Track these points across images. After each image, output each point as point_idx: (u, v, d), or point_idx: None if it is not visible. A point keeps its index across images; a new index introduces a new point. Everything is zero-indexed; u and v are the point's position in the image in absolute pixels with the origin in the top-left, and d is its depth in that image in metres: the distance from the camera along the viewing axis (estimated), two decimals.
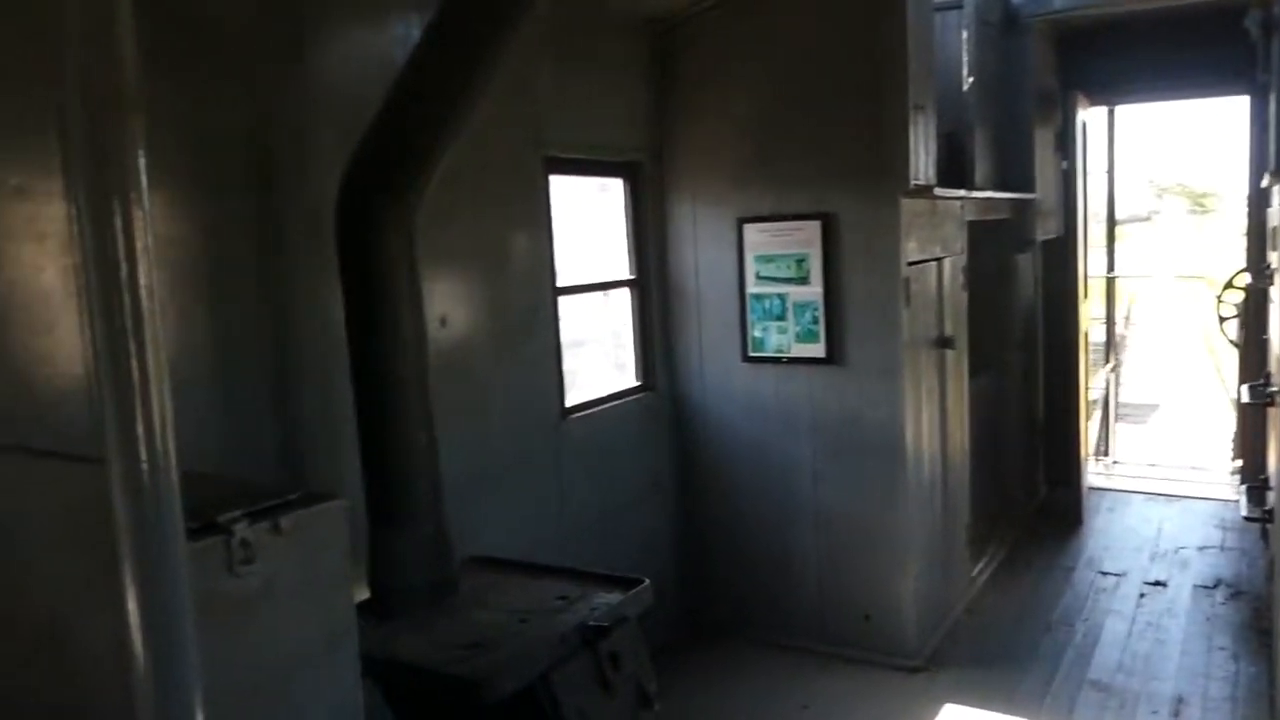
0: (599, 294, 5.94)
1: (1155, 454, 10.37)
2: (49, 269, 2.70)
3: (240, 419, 3.54)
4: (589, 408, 5.52)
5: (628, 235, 5.97)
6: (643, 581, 3.60)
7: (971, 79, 6.71)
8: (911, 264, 5.48)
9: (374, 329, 3.42)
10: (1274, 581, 5.62)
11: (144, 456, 1.54)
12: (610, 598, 3.49)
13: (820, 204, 5.50)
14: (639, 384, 6.02)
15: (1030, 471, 8.72)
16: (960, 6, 6.81)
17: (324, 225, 3.53)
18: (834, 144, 5.43)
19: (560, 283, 5.26)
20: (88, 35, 1.54)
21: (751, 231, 5.71)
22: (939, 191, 5.57)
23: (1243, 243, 8.47)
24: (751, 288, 5.75)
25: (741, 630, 6.03)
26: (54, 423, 2.56)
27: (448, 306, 4.51)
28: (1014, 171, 7.54)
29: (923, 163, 5.42)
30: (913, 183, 5.29)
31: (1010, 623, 6.28)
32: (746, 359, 5.83)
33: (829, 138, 5.44)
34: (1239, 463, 9.02)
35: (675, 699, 5.24)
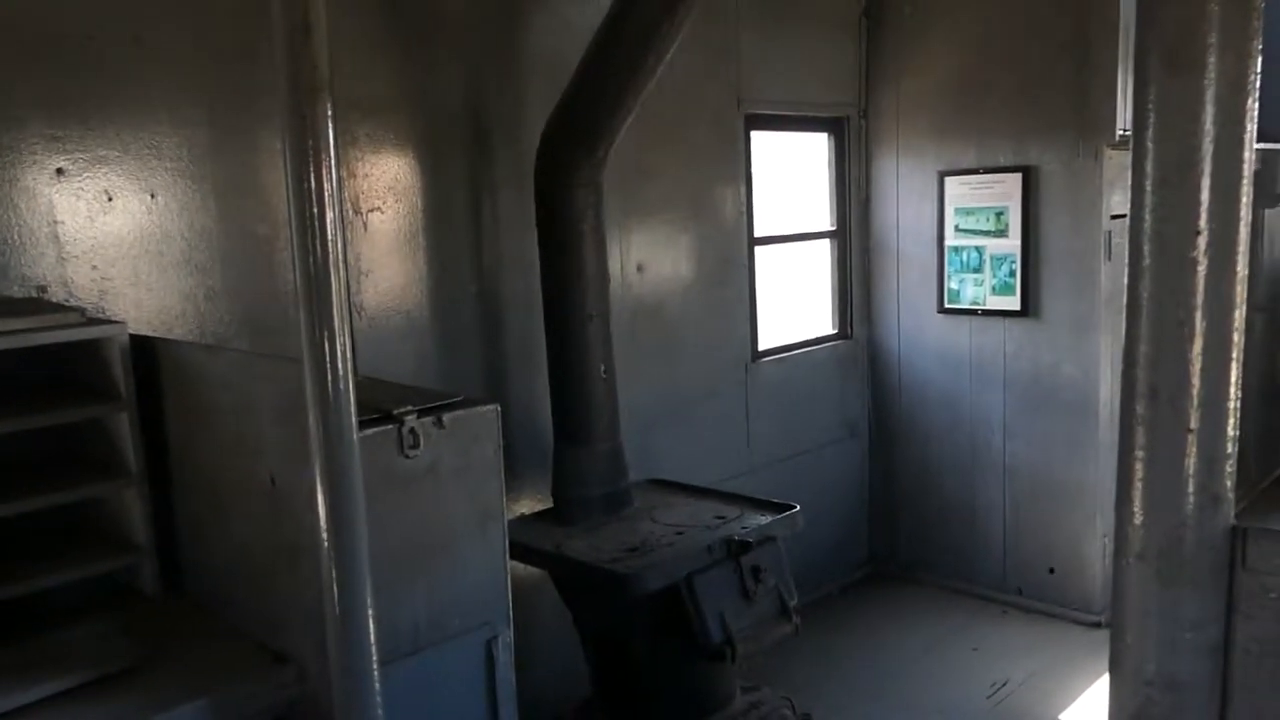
0: (799, 244, 6.20)
1: None
2: (266, 219, 3.46)
3: (454, 345, 4.17)
4: (782, 352, 5.84)
5: (830, 188, 6.17)
6: (793, 507, 3.94)
7: None
8: (1116, 217, 5.36)
9: (562, 271, 3.93)
10: None
11: (328, 360, 2.08)
12: (761, 519, 3.87)
13: (1021, 157, 5.48)
14: (835, 332, 6.25)
15: (1262, 445, 8.14)
16: None
17: (525, 180, 4.07)
18: (1038, 95, 5.39)
19: (758, 233, 5.58)
20: (290, 28, 2.06)
21: (952, 184, 5.77)
22: None
23: None
24: (950, 240, 5.82)
25: (925, 575, 6.20)
26: (274, 332, 3.26)
27: (645, 254, 4.97)
28: (1268, 118, 7.01)
29: (1127, 115, 5.26)
30: (1119, 133, 5.17)
31: None
32: (942, 310, 5.93)
33: (1033, 89, 5.40)
34: None
35: (854, 633, 5.60)
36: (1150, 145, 1.09)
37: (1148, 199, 1.13)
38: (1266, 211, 7.47)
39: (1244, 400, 2.09)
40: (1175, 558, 1.52)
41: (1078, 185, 5.32)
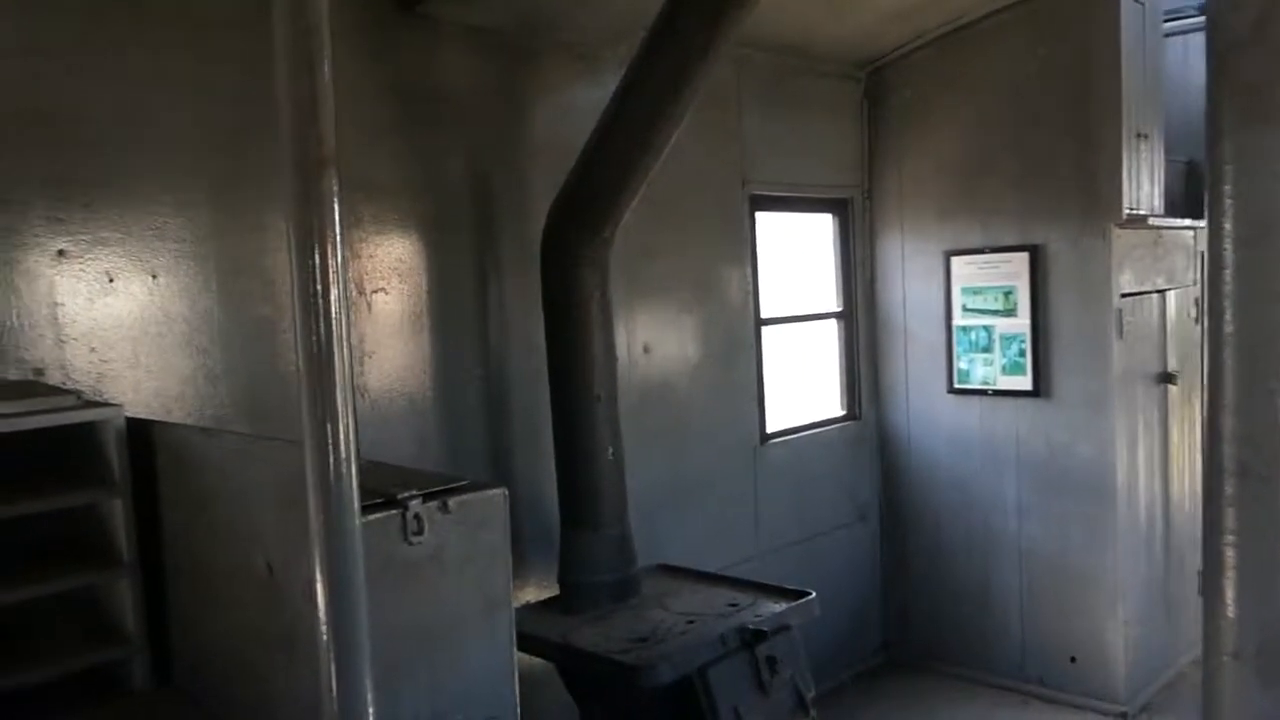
0: (806, 324, 6.16)
1: None
2: (270, 300, 3.40)
3: (458, 427, 4.09)
4: (791, 434, 5.75)
5: (836, 268, 6.16)
6: (808, 594, 3.81)
7: None
8: (1126, 295, 5.33)
9: (569, 351, 3.87)
10: None
11: (330, 443, 1.99)
12: (775, 606, 3.74)
13: (1028, 236, 5.47)
14: (844, 413, 6.17)
15: None
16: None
17: (532, 260, 4.03)
18: (1043, 175, 5.40)
19: (764, 314, 5.54)
20: (296, 104, 2.02)
21: (959, 264, 5.76)
22: (1155, 221, 5.38)
23: None
24: (958, 320, 5.78)
25: (940, 664, 6.01)
26: (274, 415, 3.18)
27: (651, 335, 4.92)
28: None
29: (1144, 192, 5.27)
30: (1126, 213, 5.17)
31: None
32: (952, 390, 5.86)
33: (1039, 169, 5.42)
34: None
35: None
36: (1229, 202, 1.03)
37: (1229, 259, 1.06)
38: None
39: None
40: (1277, 655, 1.38)
41: (1086, 264, 5.29)
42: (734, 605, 3.79)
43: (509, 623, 2.52)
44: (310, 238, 2.01)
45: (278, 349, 3.44)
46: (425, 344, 3.99)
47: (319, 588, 2.02)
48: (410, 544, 2.31)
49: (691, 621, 3.64)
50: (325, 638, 2.02)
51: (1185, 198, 6.34)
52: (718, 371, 5.28)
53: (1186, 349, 5.99)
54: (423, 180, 3.99)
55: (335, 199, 2.05)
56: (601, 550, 3.87)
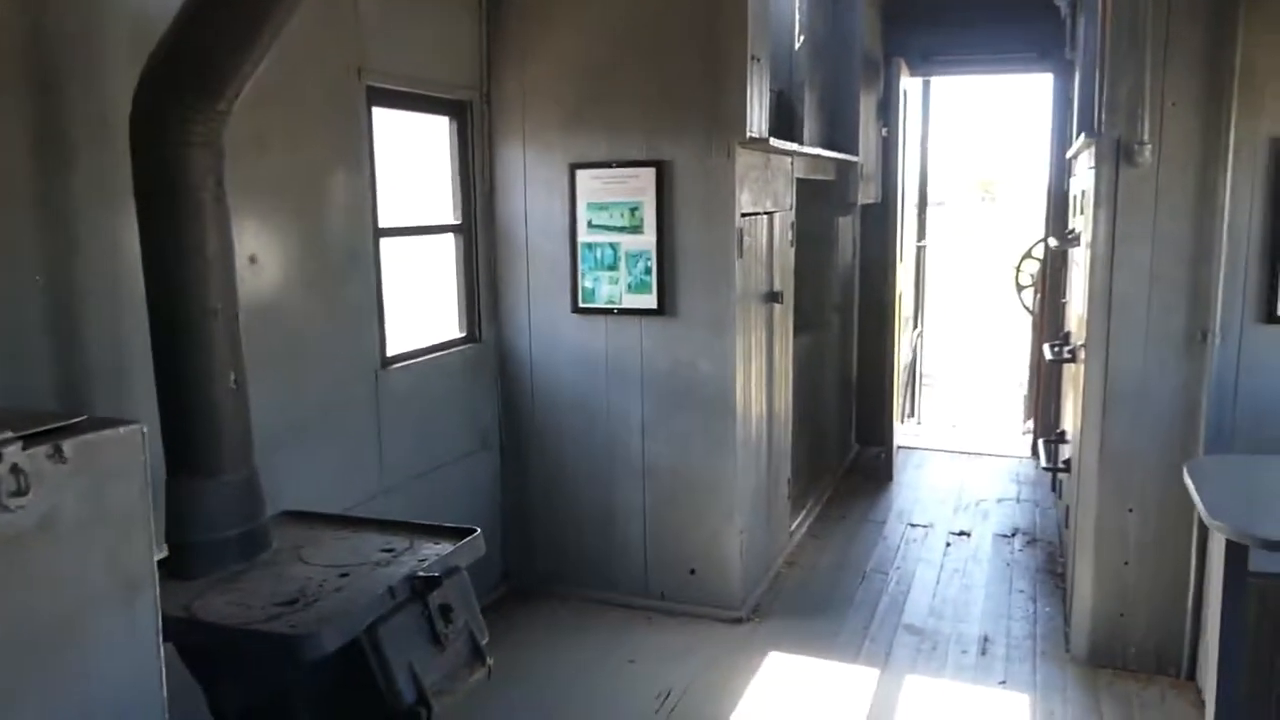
0: (426, 238, 5.64)
1: (955, 416, 10.93)
2: None
3: (11, 353, 3.10)
4: (413, 357, 5.23)
5: (453, 179, 5.68)
6: (474, 531, 3.40)
7: (803, 38, 6.75)
8: (745, 215, 5.45)
9: (174, 255, 3.05)
10: (1068, 528, 5.98)
11: None
12: (440, 548, 3.28)
13: (655, 151, 5.38)
14: (464, 335, 5.76)
15: (844, 430, 9.00)
16: None
17: (113, 135, 3.13)
18: (670, 90, 5.33)
19: (383, 224, 4.93)
20: None
21: (584, 178, 5.54)
22: (775, 143, 5.55)
23: (1042, 215, 8.96)
24: (583, 236, 5.59)
25: (564, 588, 5.92)
26: None
27: (258, 244, 4.14)
28: (840, 135, 7.68)
29: (757, 115, 5.39)
30: (748, 133, 5.25)
31: (829, 573, 6.43)
32: (577, 309, 5.68)
33: (665, 84, 5.33)
34: (1030, 422, 9.63)
35: (498, 660, 5.09)
36: None
37: None
38: (840, 219, 8.16)
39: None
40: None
41: (711, 182, 5.32)
42: (389, 551, 3.28)
43: (153, 606, 1.86)
44: None
45: None
46: None
47: None
48: (8, 509, 1.57)
49: (345, 575, 3.08)
50: None
51: (777, 127, 6.65)
52: (334, 287, 4.62)
53: (787, 271, 6.34)
54: None
55: None
56: (224, 500, 3.14)
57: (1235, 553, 3.18)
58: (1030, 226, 10.78)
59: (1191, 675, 4.88)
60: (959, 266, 24.84)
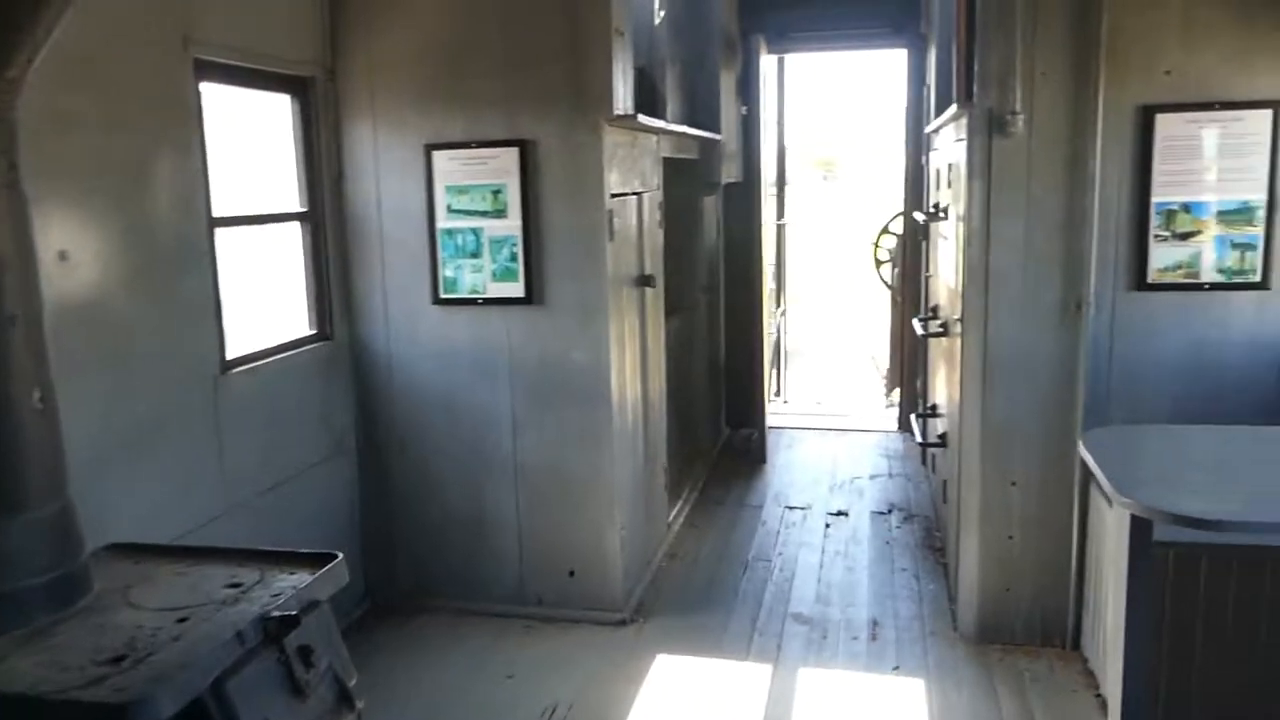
0: (268, 227, 5.14)
1: (820, 392, 10.99)
2: None
3: None
4: (257, 359, 4.74)
5: (297, 163, 5.19)
6: (334, 557, 3.01)
7: (663, 13, 6.50)
8: (614, 196, 5.17)
9: None
10: (946, 502, 5.97)
11: None
12: (296, 579, 2.88)
13: (517, 129, 5.04)
14: (314, 332, 5.29)
15: (715, 413, 8.87)
16: None
17: None
18: (532, 66, 4.99)
19: (218, 212, 4.43)
20: None
21: (441, 159, 5.15)
22: (643, 121, 5.28)
23: (900, 190, 9.01)
24: (443, 222, 5.20)
25: (434, 600, 5.54)
26: None
27: (69, 237, 3.61)
28: (701, 113, 7.49)
29: (623, 91, 5.10)
30: (615, 110, 4.96)
31: (710, 564, 6.26)
32: (438, 301, 5.29)
33: (526, 58, 4.98)
34: (894, 395, 9.74)
35: (369, 687, 4.68)
36: None
37: None
38: (705, 198, 7.97)
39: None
40: None
41: (579, 162, 5.01)
42: (236, 586, 2.86)
43: None
44: None
45: None
46: None
47: None
48: None
49: (184, 619, 2.65)
50: None
51: (639, 105, 6.39)
52: (163, 284, 4.11)
53: (657, 253, 6.10)
54: None
55: None
56: (30, 540, 2.66)
57: (1140, 526, 3.11)
58: (876, 203, 10.90)
59: (1077, 645, 4.90)
60: (810, 244, 25.27)
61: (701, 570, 6.16)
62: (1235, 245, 4.49)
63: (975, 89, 4.67)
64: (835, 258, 22.95)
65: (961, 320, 5.01)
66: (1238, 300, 4.55)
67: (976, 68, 4.66)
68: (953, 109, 5.12)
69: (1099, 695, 4.47)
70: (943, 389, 6.36)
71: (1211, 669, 3.73)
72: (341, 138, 5.28)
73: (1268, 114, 4.39)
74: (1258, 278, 4.51)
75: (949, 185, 5.70)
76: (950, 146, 5.60)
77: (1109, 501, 4.25)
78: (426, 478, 5.50)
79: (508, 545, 5.46)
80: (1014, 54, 4.48)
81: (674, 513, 6.88)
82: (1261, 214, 4.46)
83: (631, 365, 5.58)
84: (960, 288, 5.12)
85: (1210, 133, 4.43)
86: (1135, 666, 3.25)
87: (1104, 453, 3.39)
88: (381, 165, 5.25)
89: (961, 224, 4.97)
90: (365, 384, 5.49)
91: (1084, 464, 4.61)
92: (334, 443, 5.35)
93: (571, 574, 5.41)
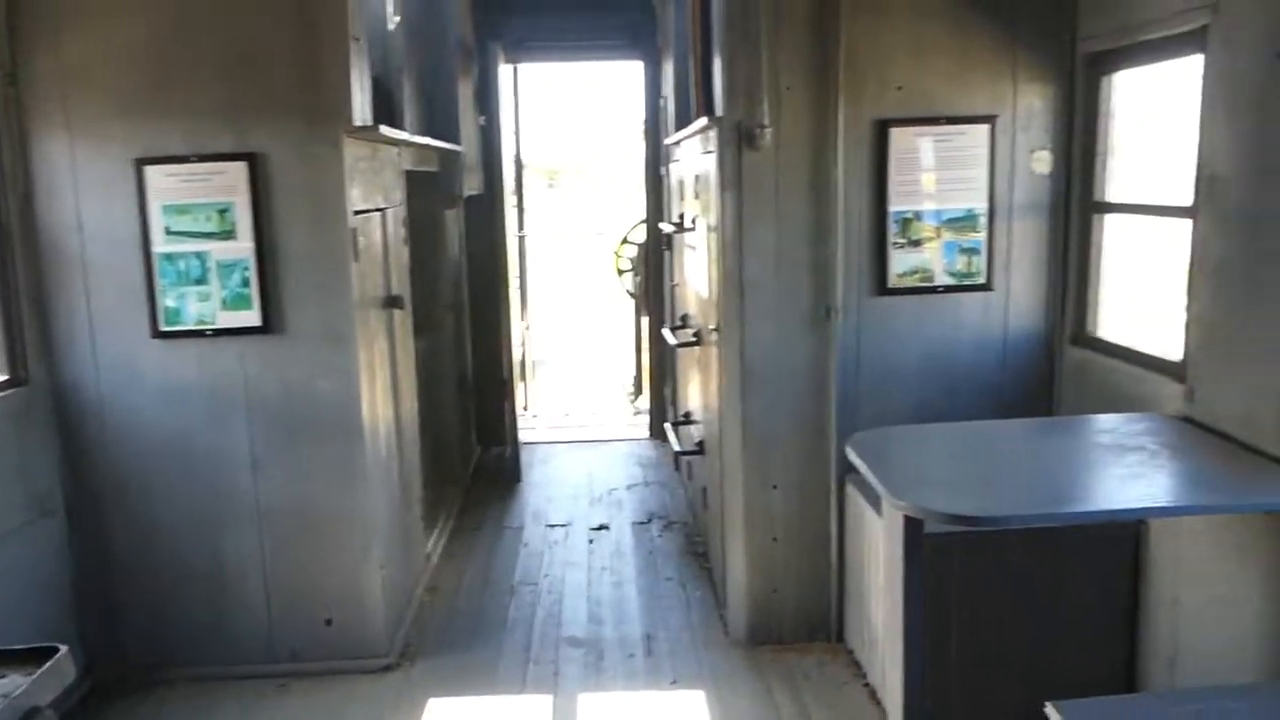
0: None
1: (567, 404, 10.95)
2: None
3: None
4: None
5: None
6: (56, 650, 2.56)
7: (397, 19, 6.18)
8: (358, 213, 4.82)
9: None
10: (707, 508, 6.05)
11: None
12: (10, 683, 2.42)
13: (245, 142, 4.57)
14: (3, 379, 4.56)
15: (466, 433, 8.59)
16: None
17: None
18: (260, 70, 4.54)
19: None
20: None
21: (156, 175, 4.58)
22: (385, 132, 4.95)
23: (642, 200, 9.11)
24: (161, 246, 4.63)
25: (172, 670, 4.93)
26: None
27: None
28: (440, 123, 7.22)
29: (361, 101, 4.77)
30: (354, 121, 4.63)
31: (475, 594, 6.00)
32: (159, 334, 4.71)
33: (254, 63, 4.53)
34: (641, 402, 9.86)
35: None
36: None
37: None
38: (446, 212, 7.70)
39: None
40: None
41: (317, 176, 4.61)
42: None
43: None
44: None
45: None
46: None
47: None
48: None
49: None
50: None
51: (377, 115, 6.05)
52: None
53: (403, 272, 5.78)
54: None
55: None
56: None
57: (913, 525, 3.22)
58: (605, 210, 11.03)
59: (840, 637, 5.09)
60: (543, 253, 25.30)
61: (466, 601, 5.90)
62: (963, 250, 4.81)
63: (722, 102, 4.73)
64: (568, 265, 23.08)
65: (718, 329, 5.07)
66: (967, 301, 4.88)
67: (723, 82, 4.73)
68: (702, 121, 5.17)
69: (867, 684, 4.65)
70: (697, 396, 6.45)
71: (966, 641, 4.01)
72: (29, 151, 4.60)
73: (985, 128, 4.73)
74: (983, 280, 4.85)
75: (696, 196, 5.78)
76: (698, 158, 5.67)
77: (869, 502, 4.43)
78: (155, 533, 4.89)
79: (253, 598, 4.96)
80: (759, 69, 4.58)
81: (431, 543, 6.57)
82: (984, 221, 4.80)
83: (383, 392, 5.24)
84: (715, 297, 5.18)
85: (936, 145, 4.72)
86: (913, 656, 3.36)
87: (873, 455, 3.49)
88: (81, 182, 4.62)
89: (714, 235, 5.03)
90: (73, 433, 4.81)
91: (840, 464, 4.81)
92: (35, 504, 4.64)
93: (329, 622, 4.99)
